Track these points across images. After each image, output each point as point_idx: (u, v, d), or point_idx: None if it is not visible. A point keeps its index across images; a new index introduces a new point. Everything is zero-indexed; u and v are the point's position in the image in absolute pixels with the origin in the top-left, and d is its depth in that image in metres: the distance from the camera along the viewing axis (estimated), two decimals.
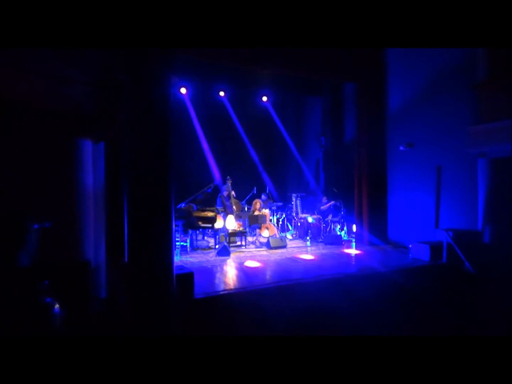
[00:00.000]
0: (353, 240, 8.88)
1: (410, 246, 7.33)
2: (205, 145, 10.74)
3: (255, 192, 9.83)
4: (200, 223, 7.93)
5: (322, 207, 9.75)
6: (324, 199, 10.00)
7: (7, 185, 4.33)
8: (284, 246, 8.27)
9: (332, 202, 9.59)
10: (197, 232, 8.57)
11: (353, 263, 7.02)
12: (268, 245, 8.20)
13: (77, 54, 4.92)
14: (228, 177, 8.86)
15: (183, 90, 9.86)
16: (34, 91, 4.73)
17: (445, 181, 7.46)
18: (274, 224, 9.43)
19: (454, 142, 7.17)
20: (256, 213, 8.78)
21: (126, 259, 4.91)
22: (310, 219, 9.32)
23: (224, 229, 8.24)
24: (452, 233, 6.82)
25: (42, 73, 4.73)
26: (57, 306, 2.02)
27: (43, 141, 4.73)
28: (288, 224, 10.26)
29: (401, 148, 8.24)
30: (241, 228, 8.50)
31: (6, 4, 2.63)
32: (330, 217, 9.49)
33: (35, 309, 1.95)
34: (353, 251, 8.03)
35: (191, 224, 7.82)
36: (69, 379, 1.79)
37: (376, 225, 8.64)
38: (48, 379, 1.74)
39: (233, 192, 8.85)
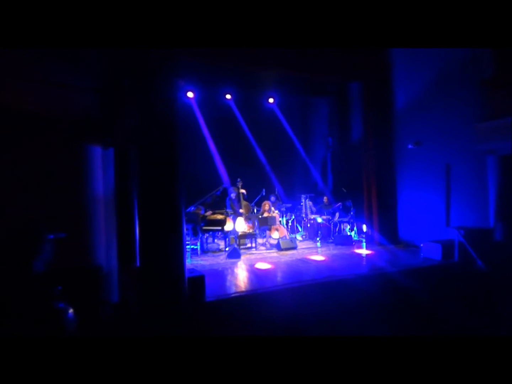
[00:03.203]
0: (364, 240, 8.83)
1: (421, 245, 7.27)
2: (213, 148, 10.77)
3: (263, 194, 9.84)
4: (208, 226, 7.97)
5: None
6: (325, 199, 9.97)
7: (20, 193, 4.40)
8: (294, 248, 8.26)
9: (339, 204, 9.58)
10: (207, 235, 8.61)
11: (364, 263, 6.99)
12: (278, 247, 8.19)
13: (83, 62, 4.98)
14: (239, 179, 8.88)
15: (190, 94, 9.90)
16: (42, 100, 4.80)
17: (455, 178, 7.38)
18: (283, 226, 9.42)
19: (462, 139, 7.10)
20: (266, 214, 8.79)
21: (137, 264, 4.95)
22: (319, 220, 9.30)
23: (234, 231, 8.25)
24: (464, 231, 6.75)
25: (50, 81, 4.79)
26: (71, 311, 2.04)
27: (53, 149, 4.79)
28: (298, 225, 10.25)
29: (409, 146, 8.18)
30: (251, 230, 8.51)
31: (14, 5, 2.69)
32: (337, 216, 9.46)
33: (50, 314, 1.98)
34: (363, 251, 7.99)
35: (200, 228, 7.86)
36: (82, 380, 1.81)
37: (386, 224, 8.59)
38: (61, 380, 1.77)
39: (243, 191, 8.86)
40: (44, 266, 2.11)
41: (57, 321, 1.98)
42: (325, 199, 10.03)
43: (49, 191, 4.66)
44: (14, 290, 1.96)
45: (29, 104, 4.64)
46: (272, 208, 9.09)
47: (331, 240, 9.09)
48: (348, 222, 9.38)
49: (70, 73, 4.89)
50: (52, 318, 1.97)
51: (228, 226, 8.18)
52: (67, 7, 2.77)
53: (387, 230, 8.55)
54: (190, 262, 6.96)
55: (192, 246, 7.87)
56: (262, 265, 6.75)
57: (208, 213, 8.28)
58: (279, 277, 5.97)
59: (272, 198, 9.99)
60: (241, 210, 8.71)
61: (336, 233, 9.26)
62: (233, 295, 5.10)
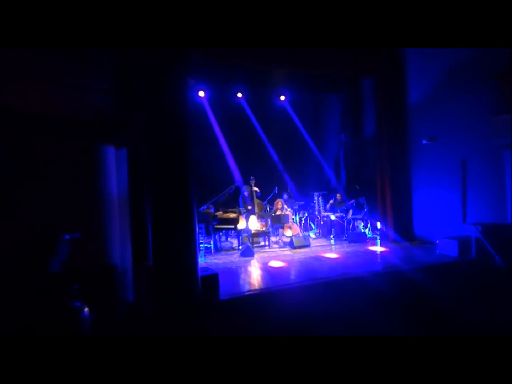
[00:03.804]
0: (378, 237, 8.75)
1: (437, 242, 7.17)
2: (225, 147, 10.78)
3: (276, 192, 9.83)
4: (221, 225, 8.00)
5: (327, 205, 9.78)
6: (339, 197, 9.89)
7: (36, 194, 4.46)
8: (307, 245, 8.23)
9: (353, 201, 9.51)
10: (220, 233, 8.64)
11: (379, 260, 6.92)
12: (291, 245, 8.17)
13: (95, 63, 5.02)
14: (251, 177, 8.89)
15: (201, 93, 9.93)
16: (55, 102, 4.85)
17: (471, 174, 7.26)
18: (296, 223, 9.40)
19: (478, 133, 6.97)
20: (278, 212, 8.77)
21: (151, 262, 4.99)
22: (333, 217, 9.24)
23: (247, 229, 8.26)
24: (481, 227, 6.63)
25: (62, 83, 4.85)
26: (86, 309, 2.07)
27: (67, 149, 4.85)
28: (311, 223, 10.21)
29: (423, 142, 8.07)
30: (264, 229, 8.51)
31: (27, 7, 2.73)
32: (350, 213, 9.39)
33: (66, 312, 2.00)
34: (378, 248, 7.92)
35: (213, 226, 7.89)
36: (99, 378, 1.83)
37: (401, 221, 8.48)
38: (79, 378, 1.79)
39: (256, 189, 8.86)
40: (60, 266, 2.14)
41: (73, 320, 2.00)
42: (338, 196, 9.97)
43: (64, 191, 4.71)
44: (32, 290, 1.99)
45: (43, 105, 4.70)
46: (285, 206, 9.07)
47: (344, 238, 9.03)
48: (362, 219, 9.31)
49: (83, 74, 4.94)
50: (69, 317, 2.00)
51: (241, 225, 8.19)
52: (79, 8, 2.80)
53: (401, 226, 8.44)
54: (204, 261, 7.00)
55: (205, 245, 7.90)
56: (275, 263, 6.74)
57: (219, 212, 8.30)
58: (292, 275, 5.96)
59: (285, 196, 9.98)
60: (251, 207, 8.71)
61: (350, 231, 9.20)
62: (246, 293, 5.10)
